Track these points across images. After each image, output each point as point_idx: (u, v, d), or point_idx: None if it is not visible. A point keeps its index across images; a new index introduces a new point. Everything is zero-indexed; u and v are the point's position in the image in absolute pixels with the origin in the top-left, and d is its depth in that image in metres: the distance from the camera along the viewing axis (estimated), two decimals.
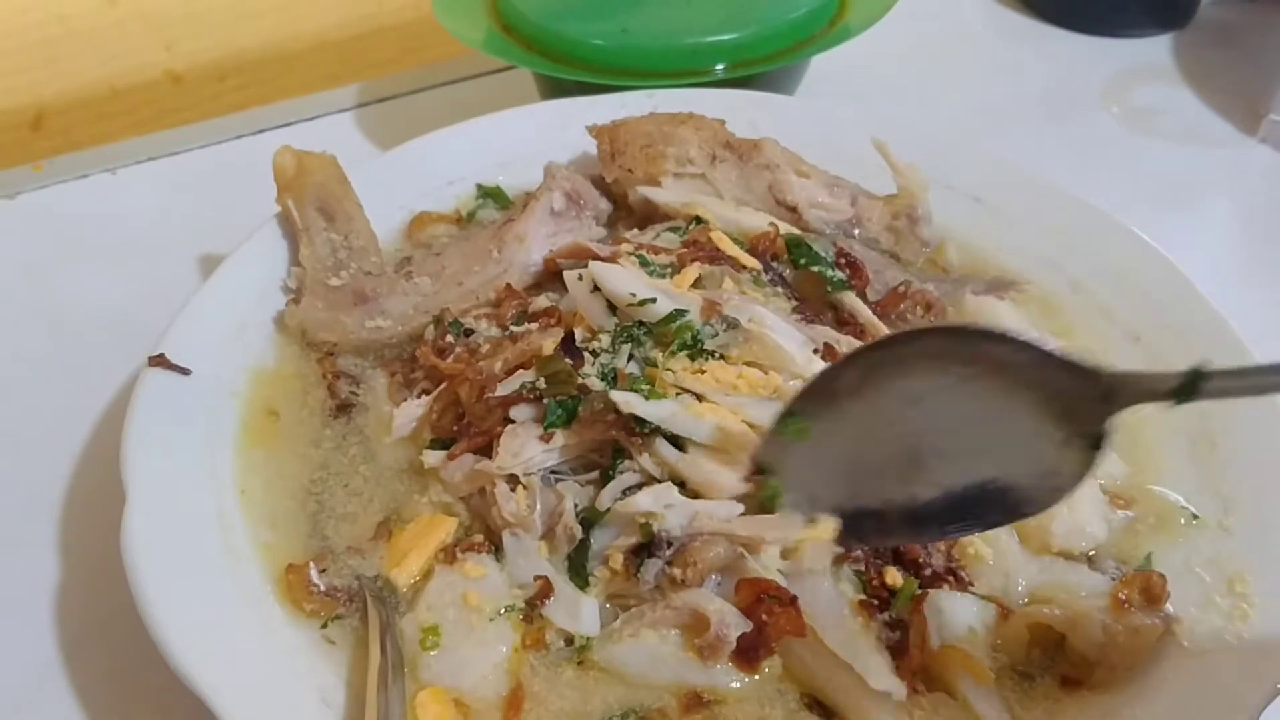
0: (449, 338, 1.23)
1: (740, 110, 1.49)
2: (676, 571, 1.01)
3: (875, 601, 1.00)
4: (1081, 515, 1.07)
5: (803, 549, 1.03)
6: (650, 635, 0.99)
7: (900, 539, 1.02)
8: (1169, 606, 1.01)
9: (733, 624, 0.98)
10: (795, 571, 1.02)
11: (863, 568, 1.02)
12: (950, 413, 0.92)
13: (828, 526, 0.99)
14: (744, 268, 1.25)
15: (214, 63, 2.38)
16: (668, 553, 1.01)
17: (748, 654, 0.98)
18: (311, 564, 1.06)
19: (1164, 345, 1.26)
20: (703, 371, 1.09)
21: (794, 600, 0.98)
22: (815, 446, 0.99)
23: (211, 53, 2.38)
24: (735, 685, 0.99)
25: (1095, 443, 0.88)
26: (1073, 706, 0.98)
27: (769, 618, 0.97)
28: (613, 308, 1.16)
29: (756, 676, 0.99)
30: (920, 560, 1.03)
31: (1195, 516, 1.11)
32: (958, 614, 1.01)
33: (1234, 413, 1.16)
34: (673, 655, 0.98)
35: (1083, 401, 0.87)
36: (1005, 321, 1.30)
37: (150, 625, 0.95)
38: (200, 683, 0.92)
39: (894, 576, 1.01)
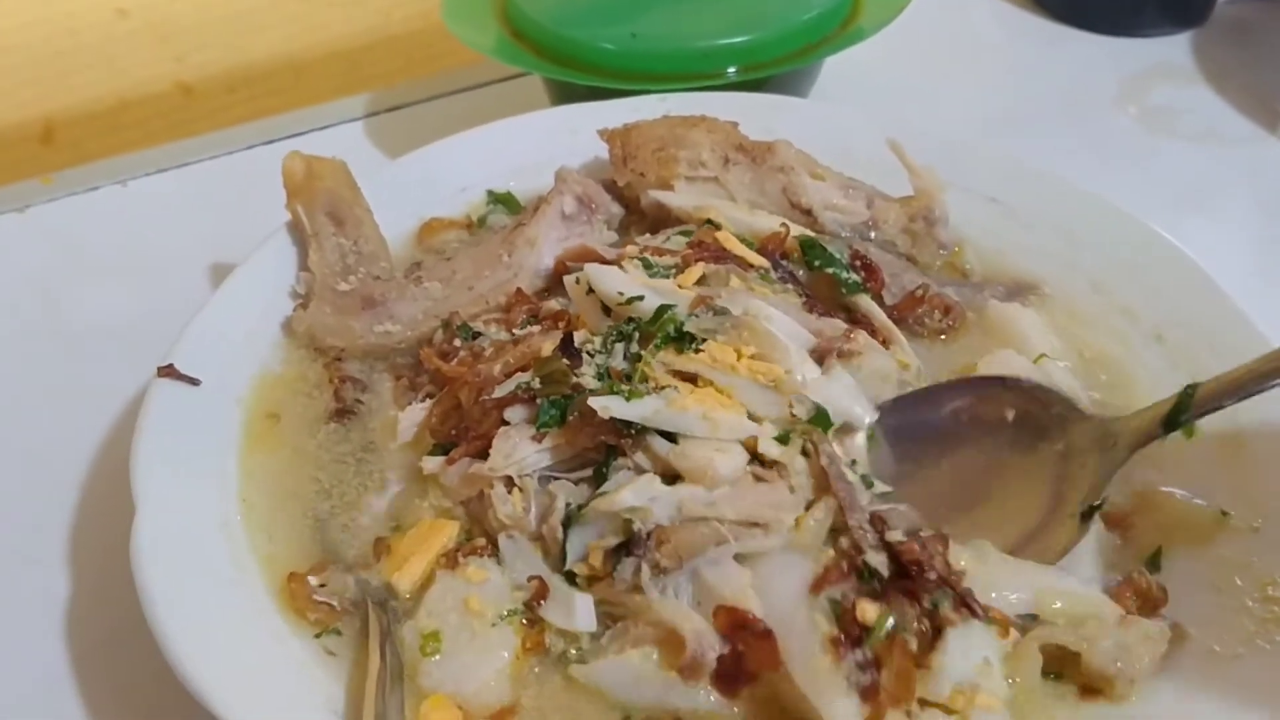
0: (456, 341, 1.21)
1: (753, 113, 1.48)
2: (655, 556, 0.98)
3: (848, 638, 0.92)
4: None
5: (802, 526, 1.00)
6: (634, 654, 0.96)
7: None
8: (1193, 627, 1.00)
9: (710, 644, 0.95)
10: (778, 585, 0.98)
11: (839, 597, 0.95)
12: (976, 467, 1.10)
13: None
14: (751, 266, 1.23)
15: (224, 74, 2.37)
16: (646, 547, 0.99)
17: (728, 680, 0.95)
18: (312, 573, 1.05)
19: (1187, 344, 1.23)
20: (699, 352, 1.07)
21: (768, 634, 0.94)
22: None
23: (222, 64, 2.38)
24: (720, 710, 0.96)
25: (1087, 514, 1.05)
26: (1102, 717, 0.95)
27: (745, 648, 0.94)
28: (608, 309, 1.15)
29: (738, 707, 0.96)
30: (922, 561, 0.95)
31: (1225, 513, 1.08)
32: (970, 648, 0.93)
33: (1262, 414, 1.13)
34: (655, 675, 0.95)
35: (1088, 455, 1.06)
36: (1028, 327, 1.28)
37: (160, 638, 0.94)
38: (210, 695, 0.90)
39: (865, 611, 0.92)
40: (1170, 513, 1.10)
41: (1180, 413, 1.04)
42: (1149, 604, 1.00)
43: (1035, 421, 1.11)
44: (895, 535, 0.97)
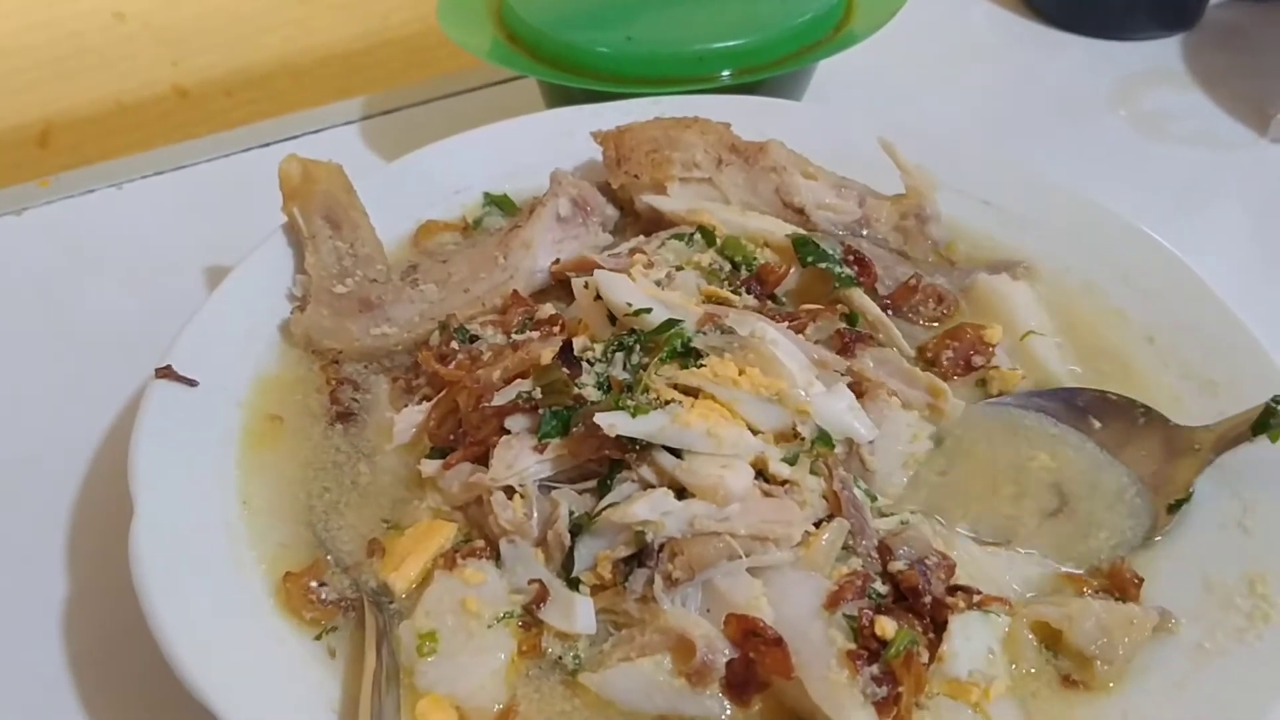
0: (453, 344, 1.22)
1: (747, 116, 1.48)
2: (668, 568, 0.98)
3: (865, 652, 0.93)
4: None
5: (814, 546, 1.01)
6: (645, 662, 0.96)
7: None
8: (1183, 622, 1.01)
9: (719, 649, 0.95)
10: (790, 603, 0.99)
11: (855, 614, 0.97)
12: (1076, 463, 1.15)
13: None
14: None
15: (221, 78, 2.38)
16: (658, 558, 0.99)
17: (739, 688, 0.95)
18: (310, 572, 1.05)
19: (1179, 346, 1.24)
20: (701, 367, 1.07)
21: (779, 641, 0.94)
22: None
23: (218, 68, 2.38)
24: (727, 716, 0.96)
25: (1173, 508, 1.09)
26: (1089, 710, 0.96)
27: (756, 655, 0.94)
28: (614, 318, 1.16)
29: (751, 710, 0.97)
30: (919, 588, 0.98)
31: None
32: (972, 639, 0.98)
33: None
34: (667, 684, 0.95)
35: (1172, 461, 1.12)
36: (1017, 301, 1.29)
37: (159, 638, 0.95)
38: (210, 696, 0.91)
39: (884, 627, 0.94)
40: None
41: (1266, 420, 1.08)
42: (1122, 588, 1.03)
43: (1123, 430, 1.17)
44: (897, 565, 1.01)
